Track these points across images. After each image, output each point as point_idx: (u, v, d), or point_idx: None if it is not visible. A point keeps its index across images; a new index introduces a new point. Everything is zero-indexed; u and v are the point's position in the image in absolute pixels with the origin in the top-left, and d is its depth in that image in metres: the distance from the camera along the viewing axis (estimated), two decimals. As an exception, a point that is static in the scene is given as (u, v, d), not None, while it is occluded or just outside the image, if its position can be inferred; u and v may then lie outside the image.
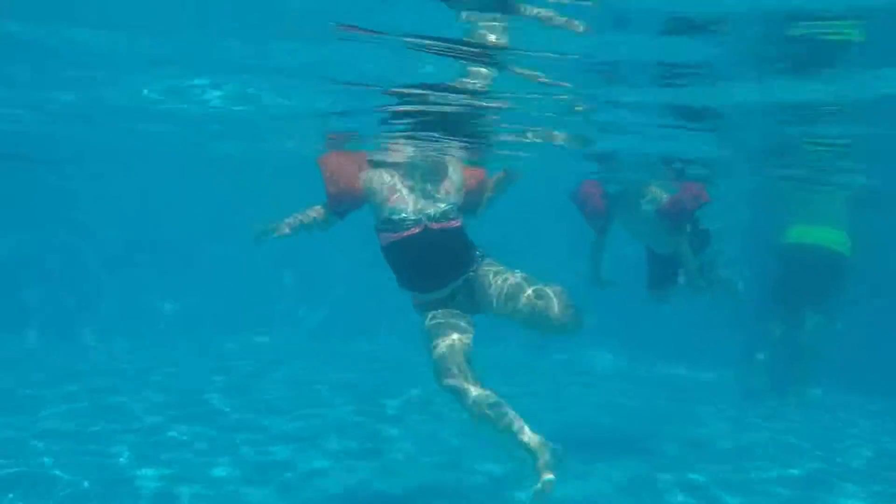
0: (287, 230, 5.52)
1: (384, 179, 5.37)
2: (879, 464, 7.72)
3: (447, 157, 6.87)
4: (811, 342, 9.76)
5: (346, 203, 5.50)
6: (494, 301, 5.21)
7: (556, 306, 5.07)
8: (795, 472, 7.30)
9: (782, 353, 9.95)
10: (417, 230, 5.23)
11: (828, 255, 9.71)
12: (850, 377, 10.01)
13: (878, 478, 7.26)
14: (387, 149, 7.57)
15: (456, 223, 5.34)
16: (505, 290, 5.18)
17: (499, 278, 5.22)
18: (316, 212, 5.57)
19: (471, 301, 5.33)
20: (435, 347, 5.07)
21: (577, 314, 5.10)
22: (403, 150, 7.44)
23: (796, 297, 9.88)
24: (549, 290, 5.12)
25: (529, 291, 5.12)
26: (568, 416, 8.63)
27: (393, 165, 5.55)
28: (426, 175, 5.44)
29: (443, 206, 5.30)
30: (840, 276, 9.70)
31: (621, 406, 9.47)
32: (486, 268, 5.28)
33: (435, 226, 5.25)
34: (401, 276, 5.41)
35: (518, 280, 5.18)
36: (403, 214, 5.24)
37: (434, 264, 5.30)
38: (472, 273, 5.29)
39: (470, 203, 5.61)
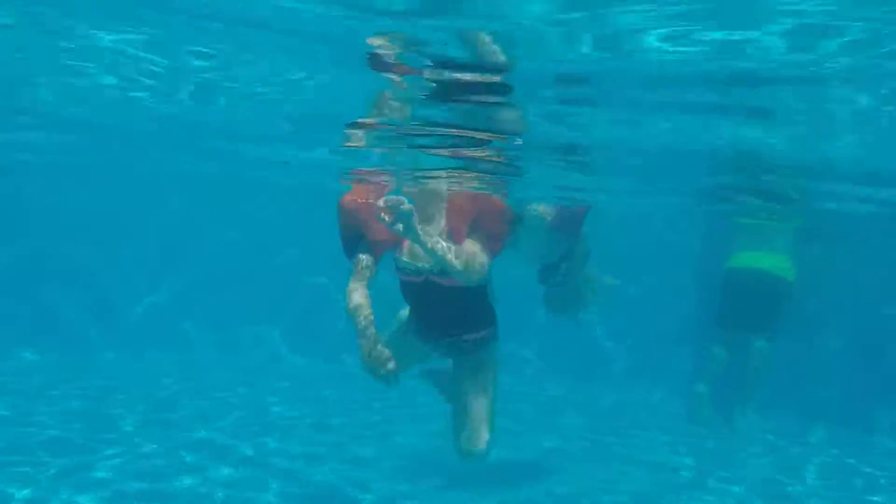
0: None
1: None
2: (823, 484, 7.78)
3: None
4: (755, 367, 9.84)
5: (387, 248, 5.32)
6: (462, 395, 5.46)
7: (478, 441, 5.33)
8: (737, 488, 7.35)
9: (726, 378, 10.01)
10: (418, 280, 5.27)
11: (772, 280, 9.84)
12: (793, 404, 10.11)
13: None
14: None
15: (461, 281, 5.07)
16: (468, 398, 5.40)
17: (476, 385, 5.39)
18: (366, 268, 5.18)
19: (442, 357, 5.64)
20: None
21: (482, 457, 5.37)
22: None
23: (741, 322, 9.97)
24: (483, 430, 5.33)
25: (477, 425, 5.33)
26: (520, 438, 8.58)
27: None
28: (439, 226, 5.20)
29: (448, 257, 4.90)
30: (784, 301, 9.83)
31: (563, 427, 9.45)
32: (480, 351, 5.43)
33: (434, 279, 5.21)
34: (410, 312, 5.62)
35: (483, 404, 5.37)
36: (406, 261, 5.26)
37: (433, 313, 5.42)
38: (469, 343, 5.41)
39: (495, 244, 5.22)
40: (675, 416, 10.20)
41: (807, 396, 10.07)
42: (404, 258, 5.25)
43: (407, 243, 5.16)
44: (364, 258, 5.17)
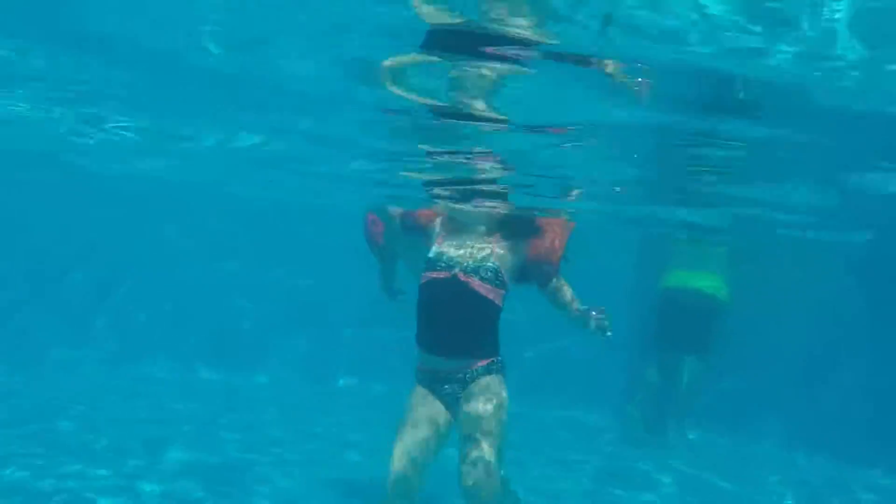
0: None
1: (448, 227, 5.32)
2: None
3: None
4: (688, 385, 9.80)
5: (416, 225, 5.48)
6: (467, 431, 4.90)
7: (480, 481, 4.76)
8: None
9: (660, 398, 9.96)
10: (447, 275, 5.02)
11: (706, 300, 9.84)
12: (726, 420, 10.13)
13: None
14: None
15: (488, 290, 4.97)
16: (471, 425, 4.88)
17: (486, 404, 4.90)
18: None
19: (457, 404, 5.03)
20: (400, 439, 4.91)
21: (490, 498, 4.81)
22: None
23: (673, 342, 9.93)
24: (492, 468, 4.79)
25: (484, 451, 4.81)
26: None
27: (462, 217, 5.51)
28: (485, 229, 5.26)
29: (480, 259, 5.02)
30: (718, 321, 9.83)
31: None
32: (487, 383, 4.96)
33: (463, 277, 4.98)
34: (418, 324, 5.17)
35: (493, 415, 4.88)
36: (440, 253, 5.12)
37: (449, 320, 5.04)
38: (474, 374, 4.97)
39: (538, 272, 5.19)
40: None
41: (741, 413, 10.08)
42: (438, 249, 5.16)
43: (444, 236, 5.23)
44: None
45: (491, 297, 4.98)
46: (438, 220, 5.37)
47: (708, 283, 9.92)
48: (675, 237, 10.55)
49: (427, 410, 5.00)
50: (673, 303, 10.00)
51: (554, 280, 5.19)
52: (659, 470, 8.64)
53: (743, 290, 9.91)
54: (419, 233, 5.42)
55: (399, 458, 4.87)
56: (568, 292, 5.23)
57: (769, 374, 9.98)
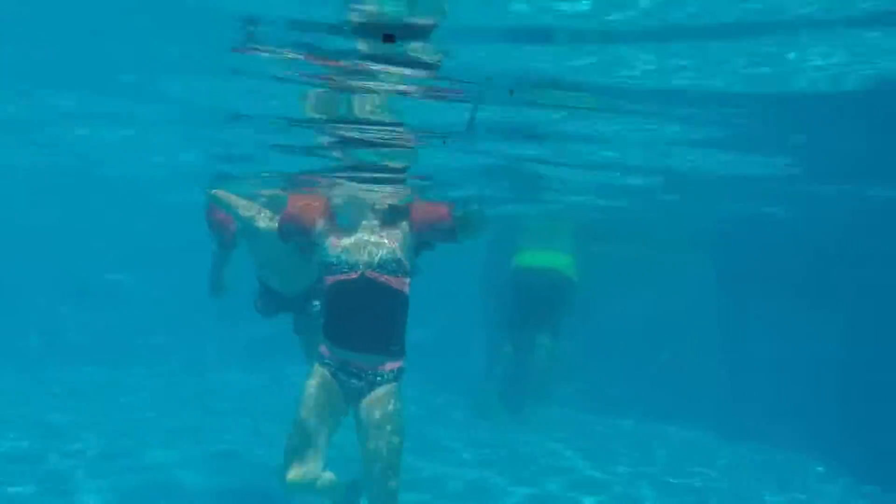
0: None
1: (334, 225, 5.27)
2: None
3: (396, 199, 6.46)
4: (541, 362, 9.98)
5: (295, 230, 5.27)
6: (368, 434, 4.90)
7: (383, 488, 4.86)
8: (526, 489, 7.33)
9: (514, 374, 10.09)
10: (354, 275, 5.03)
11: (555, 277, 10.05)
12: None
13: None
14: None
15: (394, 280, 5.03)
16: (377, 428, 4.88)
17: (386, 413, 4.90)
18: (252, 210, 5.47)
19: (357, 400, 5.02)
20: (299, 427, 4.93)
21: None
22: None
23: (526, 320, 10.09)
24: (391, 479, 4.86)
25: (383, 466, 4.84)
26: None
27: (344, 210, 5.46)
28: (373, 220, 5.24)
29: (380, 253, 5.05)
30: (567, 298, 10.06)
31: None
32: (392, 388, 4.98)
33: (370, 274, 5.01)
34: (327, 320, 5.17)
35: (392, 426, 4.89)
36: (342, 257, 5.08)
37: (361, 317, 5.04)
38: (383, 378, 4.98)
39: (434, 231, 5.21)
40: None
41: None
42: (337, 252, 5.10)
43: (336, 237, 5.16)
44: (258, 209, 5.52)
45: (398, 287, 5.05)
46: (321, 221, 5.25)
47: (557, 261, 10.14)
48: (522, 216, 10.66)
49: (327, 399, 5.01)
50: (524, 283, 10.14)
51: (457, 231, 5.20)
52: (515, 444, 8.77)
53: (590, 267, 10.19)
54: (301, 236, 5.29)
55: (300, 442, 4.91)
56: (467, 217, 5.30)
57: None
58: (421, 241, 5.21)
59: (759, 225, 9.95)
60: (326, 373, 5.06)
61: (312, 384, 5.03)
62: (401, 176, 7.13)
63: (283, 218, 5.30)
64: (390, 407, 4.92)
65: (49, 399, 9.84)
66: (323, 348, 5.14)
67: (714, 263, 10.45)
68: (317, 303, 6.10)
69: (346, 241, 5.14)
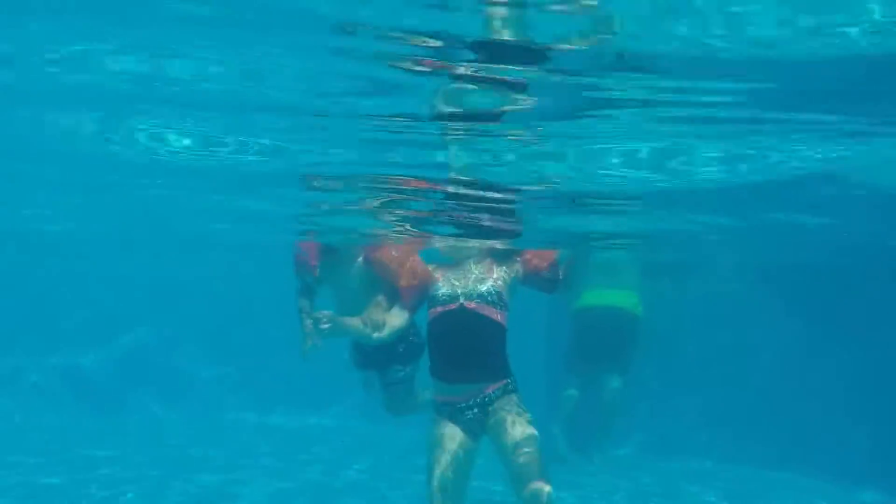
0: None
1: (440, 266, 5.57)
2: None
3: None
4: (609, 403, 9.79)
5: (420, 297, 5.50)
6: (507, 451, 5.05)
7: (533, 484, 4.91)
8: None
9: (582, 417, 9.90)
10: (454, 306, 5.23)
11: (622, 315, 9.88)
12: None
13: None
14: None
15: (493, 312, 5.21)
16: (513, 443, 5.02)
17: (515, 425, 5.06)
18: (380, 311, 5.51)
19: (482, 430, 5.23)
20: (435, 467, 5.09)
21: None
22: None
23: (593, 360, 9.91)
24: (543, 472, 4.96)
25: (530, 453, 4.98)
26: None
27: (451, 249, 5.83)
28: (481, 257, 5.50)
29: (481, 286, 5.26)
30: (634, 336, 9.88)
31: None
32: (507, 404, 5.14)
33: (469, 305, 5.19)
34: (431, 358, 5.41)
35: (525, 433, 5.04)
36: (443, 290, 5.31)
37: (461, 347, 5.22)
38: (492, 397, 5.14)
39: (539, 280, 5.51)
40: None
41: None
42: (439, 285, 5.38)
43: (442, 273, 5.45)
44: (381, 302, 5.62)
45: (496, 318, 5.22)
46: (437, 273, 5.50)
47: (623, 299, 9.98)
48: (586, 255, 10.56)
49: (454, 440, 5.17)
50: (590, 322, 9.99)
51: (559, 283, 5.55)
52: (586, 487, 8.56)
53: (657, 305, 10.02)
54: (424, 297, 5.53)
55: (439, 488, 5.07)
56: (569, 268, 5.69)
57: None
58: (523, 284, 5.44)
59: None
60: (444, 419, 5.24)
61: (436, 430, 5.23)
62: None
63: (409, 293, 5.51)
64: (510, 419, 5.06)
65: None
66: (435, 393, 5.30)
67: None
68: (399, 367, 6.24)
69: (451, 274, 5.40)
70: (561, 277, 5.56)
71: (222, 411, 12.50)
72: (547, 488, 4.91)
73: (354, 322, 5.47)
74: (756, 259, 10.25)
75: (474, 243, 7.22)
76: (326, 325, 5.16)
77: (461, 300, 5.21)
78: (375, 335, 5.46)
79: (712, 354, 10.03)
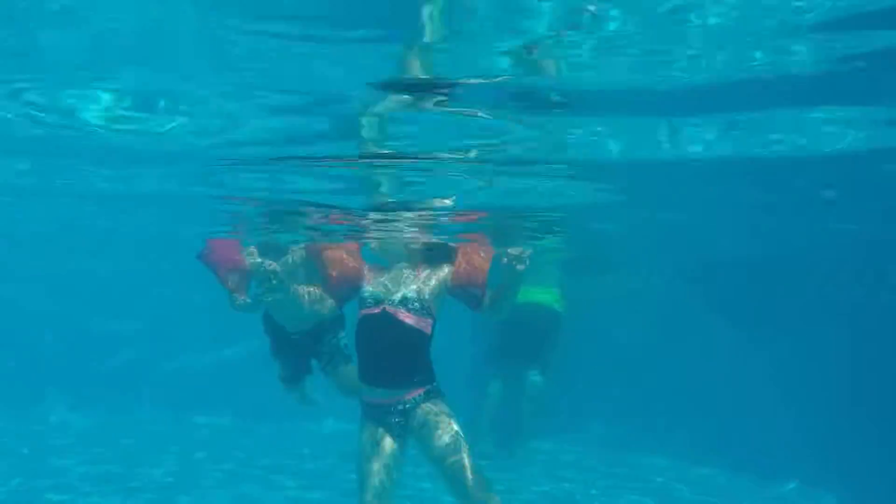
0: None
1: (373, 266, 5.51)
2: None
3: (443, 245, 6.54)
4: (530, 398, 9.94)
5: (346, 289, 5.49)
6: (435, 459, 5.09)
7: (472, 489, 4.96)
8: None
9: (504, 413, 10.02)
10: (377, 310, 5.25)
11: (543, 312, 10.03)
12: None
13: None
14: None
15: (415, 319, 5.20)
16: (440, 451, 5.05)
17: (440, 431, 5.07)
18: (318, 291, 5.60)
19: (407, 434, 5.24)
20: (367, 477, 5.11)
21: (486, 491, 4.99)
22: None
23: (515, 356, 10.05)
24: (475, 471, 4.99)
25: (459, 457, 5.00)
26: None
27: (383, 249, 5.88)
28: (412, 259, 5.50)
29: (408, 292, 5.25)
30: (555, 332, 10.05)
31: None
32: (431, 407, 5.15)
33: (391, 310, 5.21)
34: (357, 358, 5.41)
35: (452, 437, 5.05)
36: (370, 292, 5.31)
37: (381, 351, 5.23)
38: (412, 403, 5.15)
39: (465, 295, 5.36)
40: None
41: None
42: (369, 287, 5.37)
43: (372, 274, 5.43)
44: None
45: (418, 325, 5.21)
46: (368, 274, 5.46)
47: (543, 295, 10.13)
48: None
49: (383, 446, 5.19)
50: (511, 319, 10.05)
51: (484, 301, 5.32)
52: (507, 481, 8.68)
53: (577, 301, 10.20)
54: (353, 293, 5.51)
55: (370, 490, 5.10)
56: (500, 294, 5.33)
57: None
58: (450, 294, 5.37)
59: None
60: (371, 423, 5.25)
61: (363, 433, 5.25)
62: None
63: (335, 283, 5.51)
64: (431, 424, 5.09)
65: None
66: (363, 393, 5.34)
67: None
68: (331, 337, 6.25)
69: (381, 277, 5.38)
70: (487, 302, 5.30)
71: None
72: (495, 499, 4.97)
73: (300, 290, 5.62)
74: (675, 255, 10.54)
75: (407, 236, 7.23)
76: (273, 270, 5.34)
77: (385, 304, 5.23)
78: (316, 307, 5.64)
79: (631, 350, 10.27)
